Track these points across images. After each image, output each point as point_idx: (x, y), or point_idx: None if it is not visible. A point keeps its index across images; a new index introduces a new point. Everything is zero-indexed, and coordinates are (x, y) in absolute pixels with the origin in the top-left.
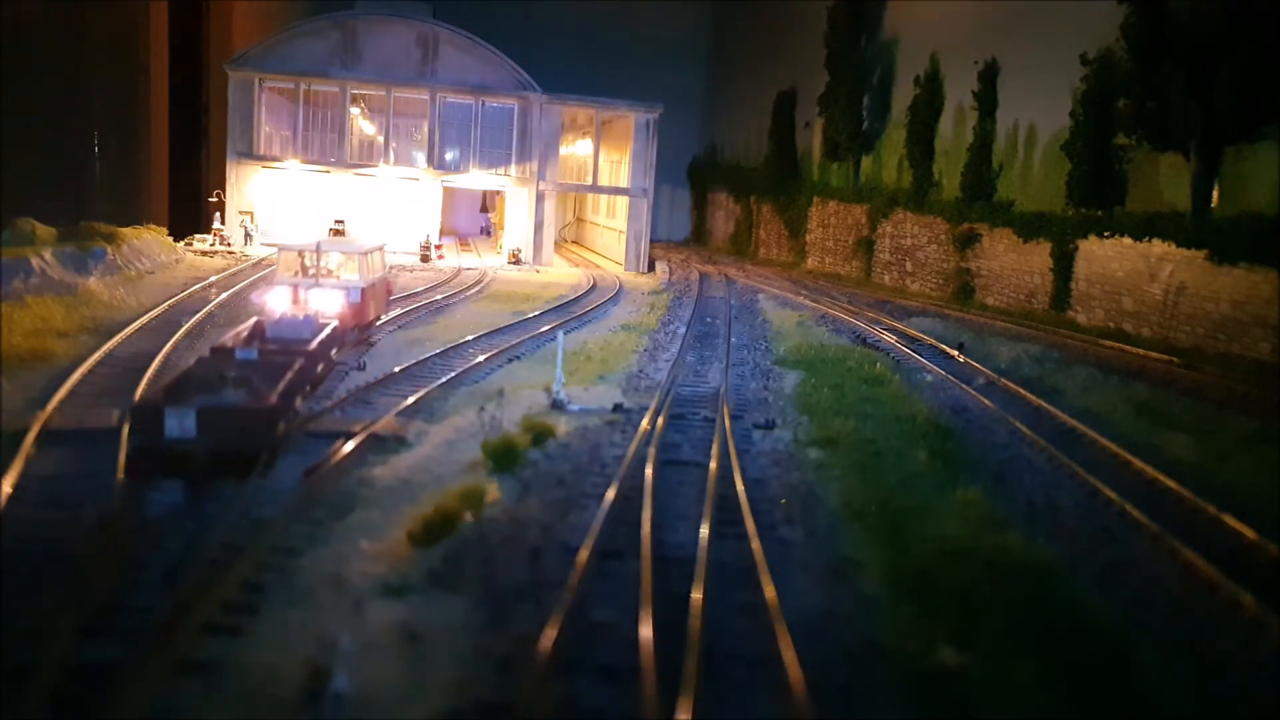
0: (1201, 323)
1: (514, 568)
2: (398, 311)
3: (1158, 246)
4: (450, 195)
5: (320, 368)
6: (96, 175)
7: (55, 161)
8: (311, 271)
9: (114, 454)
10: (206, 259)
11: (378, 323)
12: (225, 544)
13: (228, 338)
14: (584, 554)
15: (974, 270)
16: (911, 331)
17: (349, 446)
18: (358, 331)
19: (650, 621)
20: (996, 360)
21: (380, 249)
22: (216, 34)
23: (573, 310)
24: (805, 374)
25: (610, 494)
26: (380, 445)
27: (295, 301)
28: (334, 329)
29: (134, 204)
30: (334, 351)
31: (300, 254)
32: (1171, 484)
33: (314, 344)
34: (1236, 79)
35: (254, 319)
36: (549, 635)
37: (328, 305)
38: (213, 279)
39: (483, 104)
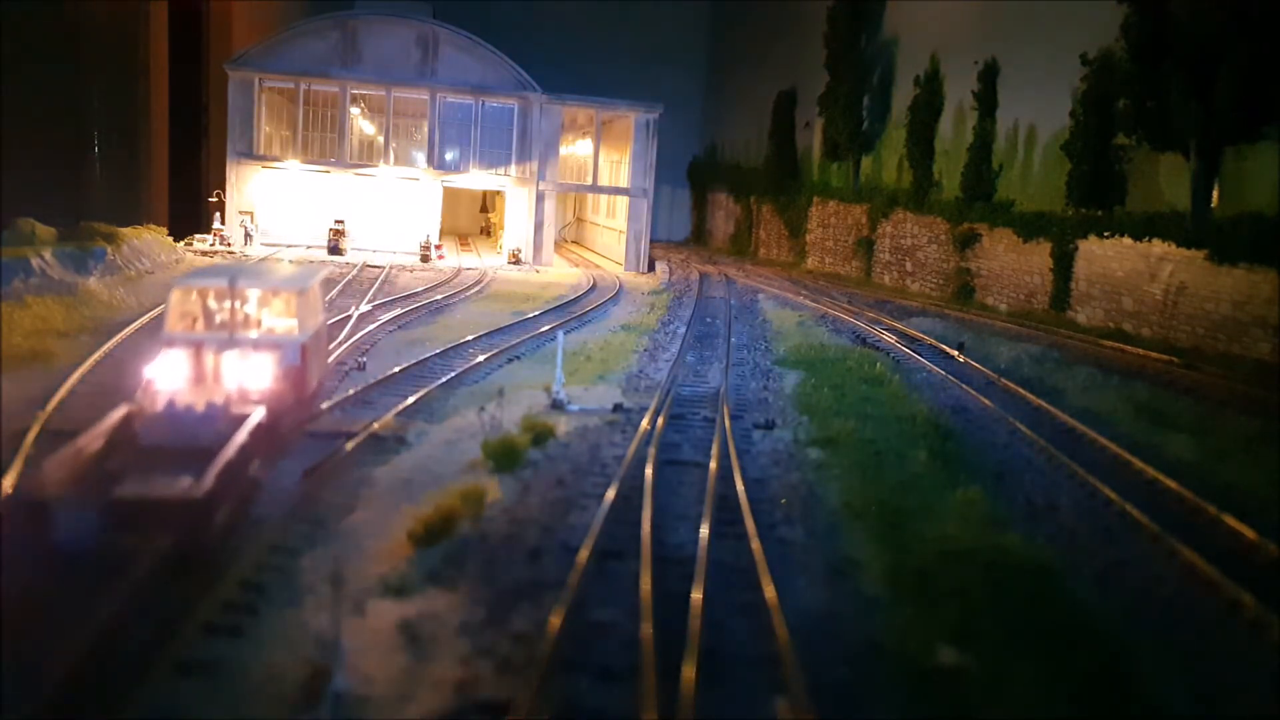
0: (1201, 323)
1: (514, 567)
2: (398, 311)
3: (1158, 246)
4: (450, 195)
5: (221, 513)
6: (96, 175)
7: (55, 161)
8: (223, 321)
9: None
10: (206, 259)
11: (319, 396)
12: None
13: (55, 462)
14: (584, 554)
15: (974, 270)
16: (912, 331)
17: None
18: (296, 412)
19: (650, 621)
20: (996, 360)
21: (319, 282)
22: (216, 34)
23: (573, 310)
24: (805, 374)
25: (610, 494)
26: (380, 445)
27: (199, 375)
28: (258, 424)
29: (134, 204)
30: (255, 464)
31: (204, 294)
32: (1171, 484)
33: (211, 476)
34: (1236, 79)
35: (123, 409)
36: (549, 635)
37: (252, 377)
38: None
39: (483, 104)
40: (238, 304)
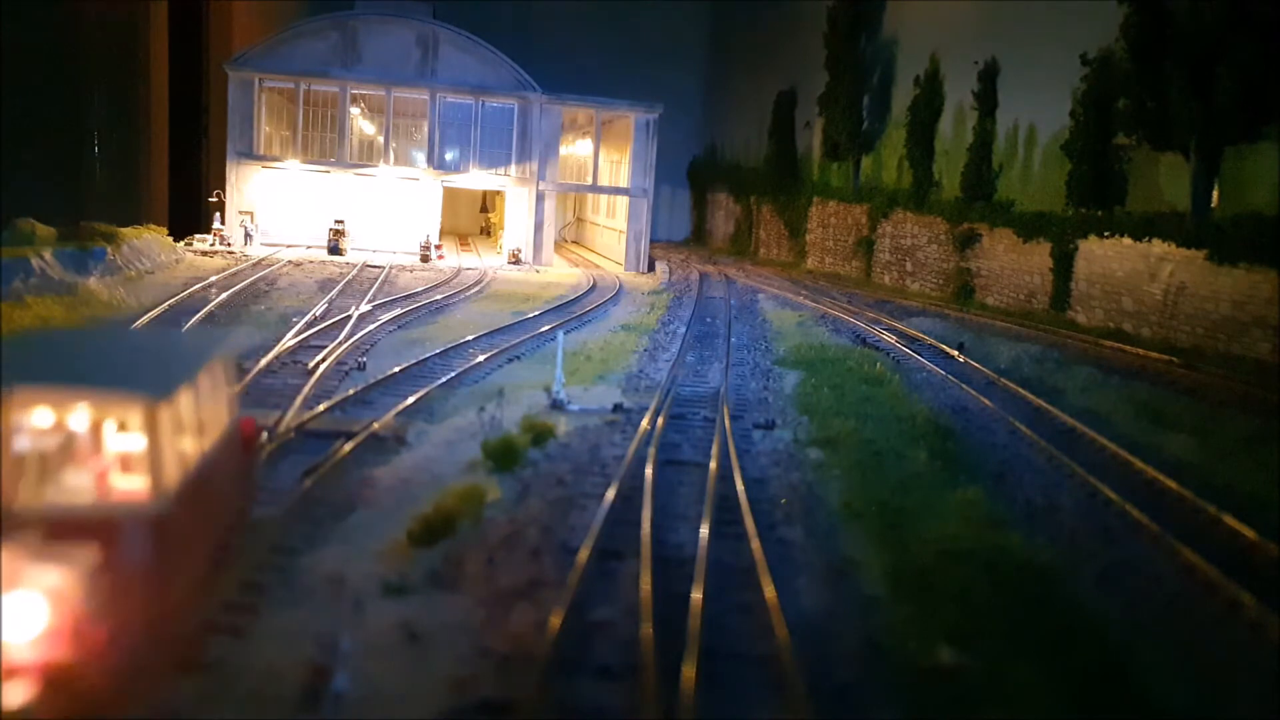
0: (1201, 323)
1: (514, 567)
2: (398, 311)
3: (1158, 246)
4: (450, 195)
5: None
6: (96, 175)
7: (55, 161)
8: None
9: None
10: (206, 259)
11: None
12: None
13: None
14: (584, 554)
15: (974, 270)
16: (912, 331)
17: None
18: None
19: (650, 621)
20: (996, 360)
21: (225, 357)
22: (216, 34)
23: (573, 310)
24: (805, 374)
25: (610, 494)
26: (380, 446)
27: None
28: None
29: (134, 204)
30: None
31: None
32: (1171, 484)
33: None
34: (1236, 79)
35: None
36: (548, 634)
37: (21, 621)
38: (212, 279)
39: (483, 104)
40: (18, 437)
